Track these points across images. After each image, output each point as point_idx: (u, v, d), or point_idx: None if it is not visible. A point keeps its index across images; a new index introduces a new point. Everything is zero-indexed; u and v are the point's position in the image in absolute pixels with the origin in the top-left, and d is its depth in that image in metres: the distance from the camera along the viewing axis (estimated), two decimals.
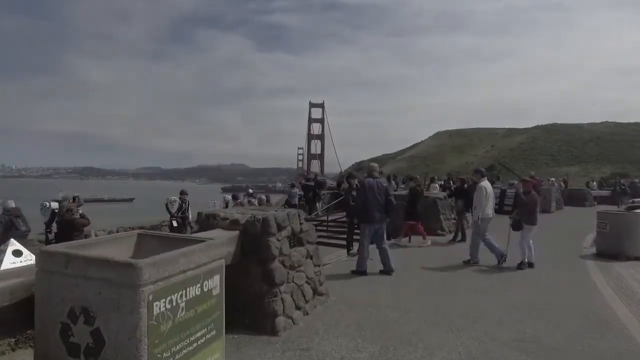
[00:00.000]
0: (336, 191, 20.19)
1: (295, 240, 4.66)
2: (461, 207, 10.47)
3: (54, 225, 8.03)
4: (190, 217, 11.55)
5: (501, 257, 7.49)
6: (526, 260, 7.30)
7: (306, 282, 4.71)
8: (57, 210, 8.12)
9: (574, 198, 21.86)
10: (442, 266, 7.57)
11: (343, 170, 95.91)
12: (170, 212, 10.88)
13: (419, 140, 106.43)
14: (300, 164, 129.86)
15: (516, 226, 7.46)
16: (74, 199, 9.21)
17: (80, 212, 8.32)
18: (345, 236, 10.09)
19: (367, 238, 6.80)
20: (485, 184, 7.94)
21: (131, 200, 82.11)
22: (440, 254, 8.80)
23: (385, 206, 6.71)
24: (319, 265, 5.09)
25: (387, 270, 6.77)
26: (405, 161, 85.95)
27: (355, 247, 8.54)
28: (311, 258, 4.92)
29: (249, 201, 12.20)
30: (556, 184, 21.11)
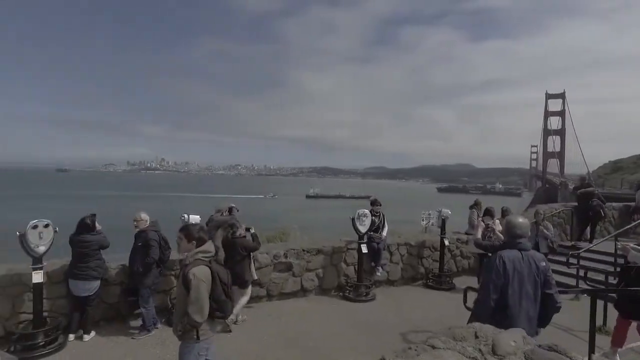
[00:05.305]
0: (630, 204, 13.84)
1: None
2: None
3: None
4: (384, 235, 8.60)
5: None
6: None
7: None
8: None
9: None
10: None
11: (591, 172, 76.58)
12: (359, 232, 7.95)
13: None
14: (534, 163, 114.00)
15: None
16: (229, 210, 7.37)
17: (252, 231, 6.55)
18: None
19: None
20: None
21: (368, 197, 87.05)
22: None
23: (542, 308, 3.25)
24: None
25: None
26: None
27: None
28: None
29: (489, 228, 7.59)
30: None
